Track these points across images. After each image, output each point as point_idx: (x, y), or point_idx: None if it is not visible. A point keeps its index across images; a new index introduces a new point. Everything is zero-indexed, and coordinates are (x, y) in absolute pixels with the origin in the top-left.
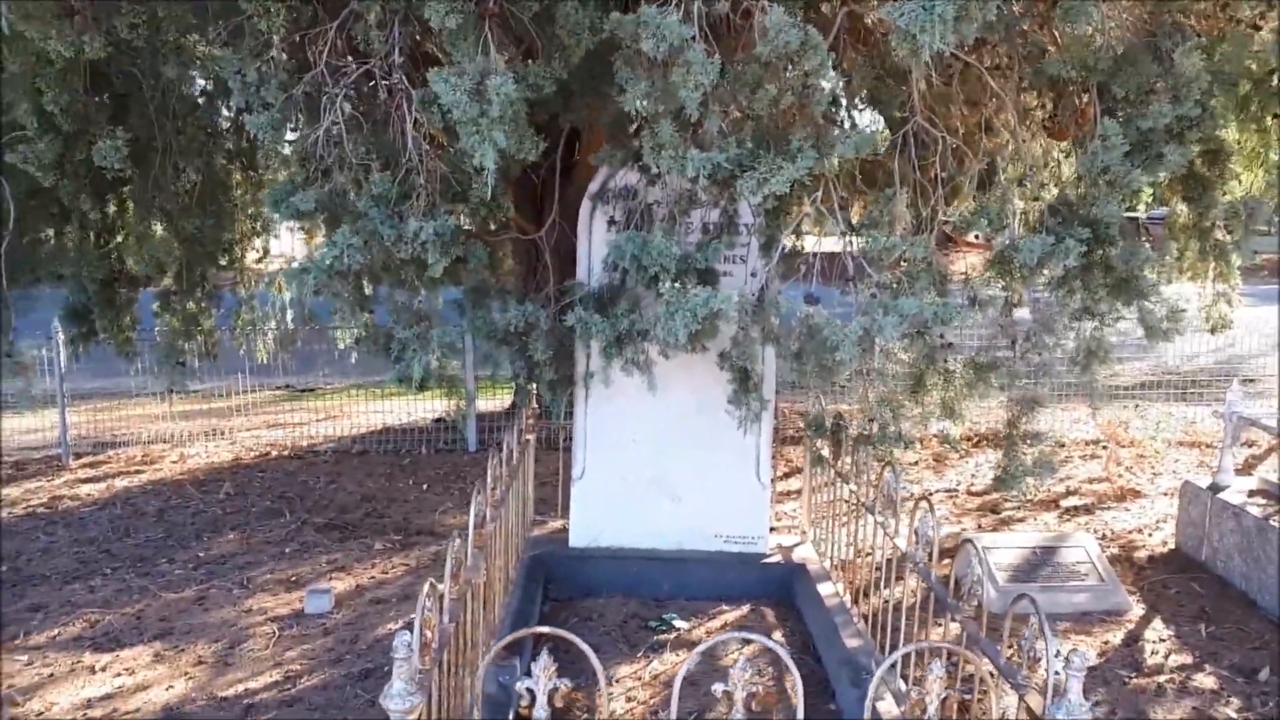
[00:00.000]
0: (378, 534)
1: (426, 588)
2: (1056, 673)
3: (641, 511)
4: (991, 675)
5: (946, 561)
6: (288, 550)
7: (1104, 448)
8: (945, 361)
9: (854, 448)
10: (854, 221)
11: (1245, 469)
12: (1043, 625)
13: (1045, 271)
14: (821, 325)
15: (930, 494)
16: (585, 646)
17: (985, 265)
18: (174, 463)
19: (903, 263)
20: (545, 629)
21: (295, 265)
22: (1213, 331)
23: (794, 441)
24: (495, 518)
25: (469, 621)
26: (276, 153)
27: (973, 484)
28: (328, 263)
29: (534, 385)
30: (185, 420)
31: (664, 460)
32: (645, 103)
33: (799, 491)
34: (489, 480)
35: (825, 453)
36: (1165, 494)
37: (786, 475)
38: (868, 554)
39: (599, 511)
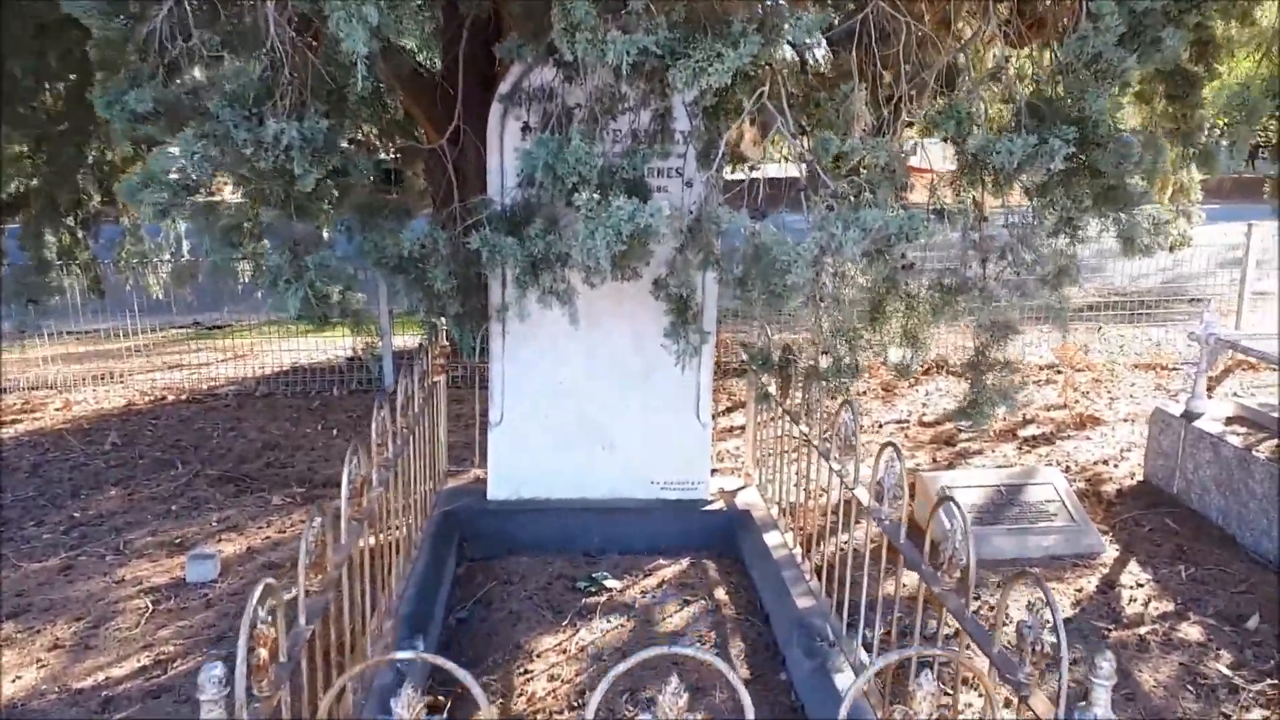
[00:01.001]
0: (278, 486)
1: (258, 593)
2: (1077, 682)
3: (569, 459)
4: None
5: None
6: (174, 508)
7: (1059, 372)
8: (908, 284)
9: (804, 384)
10: (805, 125)
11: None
12: (1054, 610)
13: (1023, 178)
14: (770, 244)
15: (881, 426)
16: (464, 676)
17: (953, 174)
18: (57, 410)
19: (862, 170)
20: (425, 656)
21: (134, 179)
22: (1171, 250)
23: (737, 374)
24: (386, 480)
25: (347, 606)
26: (109, 43)
27: (924, 414)
28: (171, 176)
29: (441, 319)
30: (77, 364)
31: (594, 402)
32: None
33: (742, 428)
34: (374, 435)
35: (772, 389)
36: (1126, 420)
37: (729, 410)
38: (819, 496)
39: (521, 461)
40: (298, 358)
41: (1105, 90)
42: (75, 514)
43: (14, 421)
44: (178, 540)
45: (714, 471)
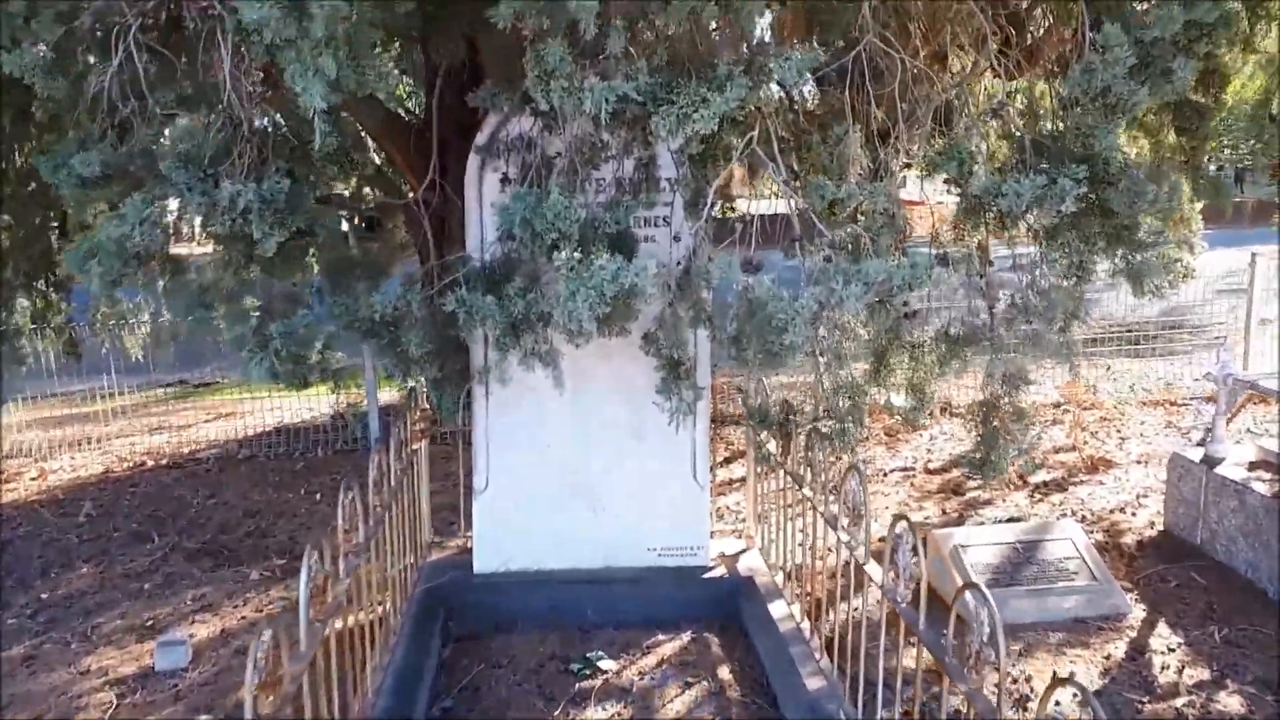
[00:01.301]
0: (257, 559)
1: None
2: None
3: (560, 525)
4: None
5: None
6: (147, 586)
7: (1066, 411)
8: (912, 333)
9: (807, 444)
10: (797, 169)
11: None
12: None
13: (1031, 219)
14: (765, 300)
15: (886, 474)
16: None
17: (955, 216)
18: (33, 480)
19: (860, 216)
20: None
21: (80, 248)
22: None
23: (734, 422)
24: (355, 568)
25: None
26: (54, 102)
27: (930, 459)
28: (113, 243)
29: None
30: (55, 428)
31: (584, 463)
32: (531, 19)
33: (742, 480)
34: (340, 520)
35: (772, 447)
36: (1139, 461)
37: (727, 460)
38: (825, 557)
39: (508, 529)
40: (282, 416)
41: (1115, 125)
42: (44, 594)
43: None
44: (149, 622)
45: (713, 534)
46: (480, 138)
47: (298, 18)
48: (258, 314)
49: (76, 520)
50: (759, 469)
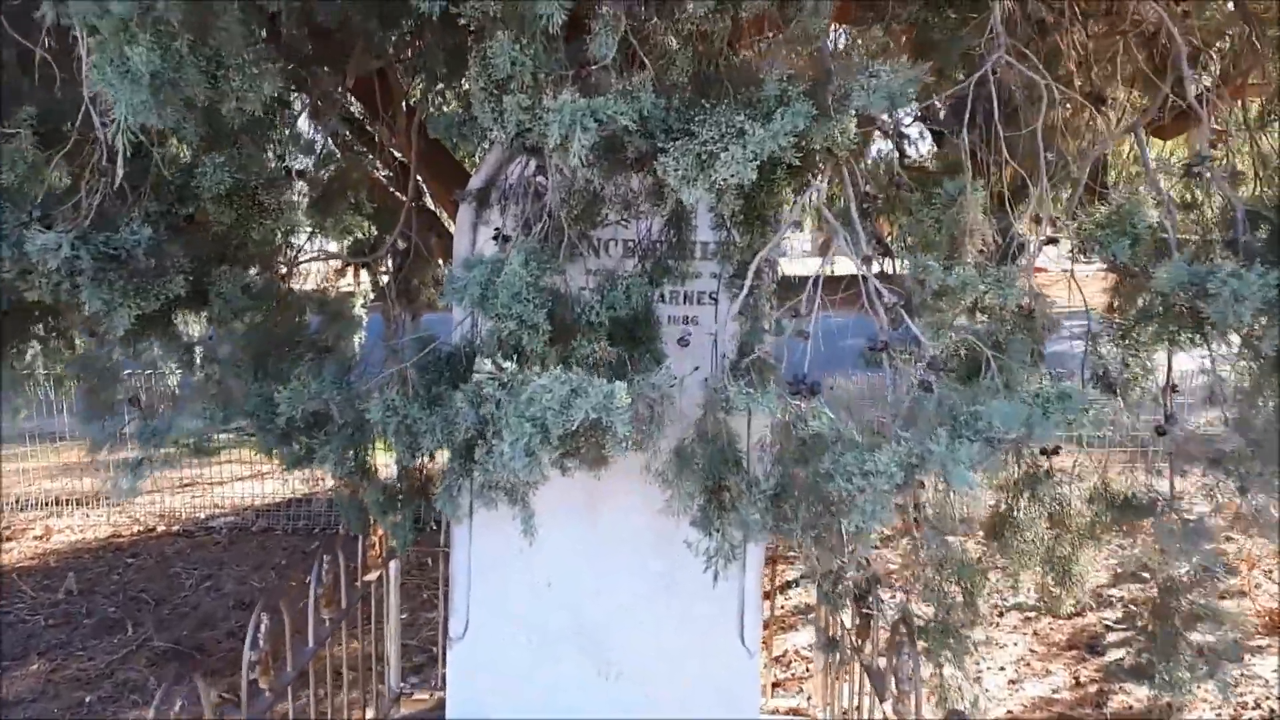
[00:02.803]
0: (226, 671)
1: None
2: None
3: (559, 689)
4: None
5: None
6: (93, 697)
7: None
8: (1049, 487)
9: (893, 640)
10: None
11: None
12: None
13: (1257, 326)
14: (821, 444)
15: (1001, 613)
16: None
17: (1117, 311)
18: (36, 538)
19: (980, 313)
20: None
21: None
22: None
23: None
24: None
25: None
26: None
27: (1079, 667)
28: None
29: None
30: (79, 477)
31: (593, 611)
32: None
33: (810, 611)
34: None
35: (844, 627)
36: None
37: (787, 584)
38: None
39: (493, 691)
40: (312, 482)
41: None
42: None
43: None
44: None
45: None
46: (474, 181)
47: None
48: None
49: (54, 597)
50: (829, 657)
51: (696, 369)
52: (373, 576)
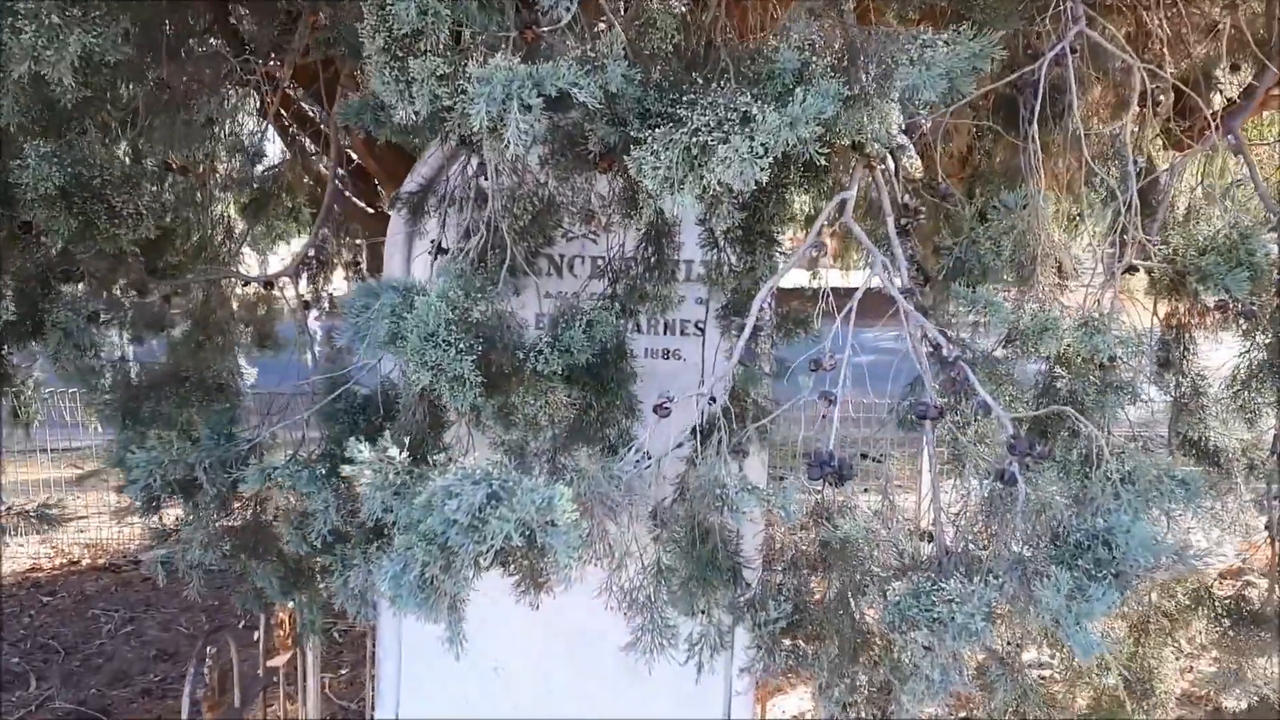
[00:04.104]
0: None
1: None
2: None
3: None
4: None
5: None
6: None
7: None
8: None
9: None
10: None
11: None
12: None
13: None
14: (848, 549)
15: None
16: None
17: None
18: None
19: (1060, 367)
20: None
21: None
22: None
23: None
24: None
25: None
26: None
27: None
28: None
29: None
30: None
31: (549, 701)
32: None
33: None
34: None
35: None
36: None
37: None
38: None
39: None
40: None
41: None
42: None
43: None
44: None
45: None
46: (408, 183)
47: None
48: None
49: None
50: None
51: (680, 446)
52: (280, 661)
